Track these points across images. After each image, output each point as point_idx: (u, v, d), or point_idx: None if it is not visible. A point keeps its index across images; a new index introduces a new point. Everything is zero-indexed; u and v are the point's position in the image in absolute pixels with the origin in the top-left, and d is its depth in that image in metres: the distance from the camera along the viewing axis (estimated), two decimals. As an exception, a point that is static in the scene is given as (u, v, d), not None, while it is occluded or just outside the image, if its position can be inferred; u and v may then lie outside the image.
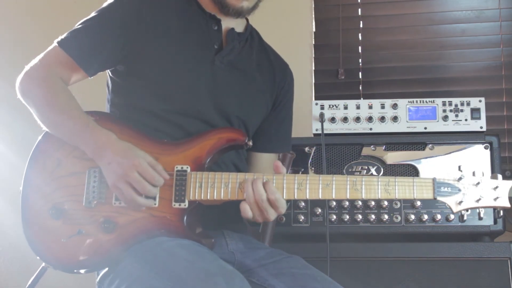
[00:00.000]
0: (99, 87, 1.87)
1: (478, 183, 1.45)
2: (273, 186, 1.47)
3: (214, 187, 1.51)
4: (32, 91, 1.62)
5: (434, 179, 1.46)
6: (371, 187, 1.47)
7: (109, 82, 1.74)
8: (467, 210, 1.48)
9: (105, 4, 1.69)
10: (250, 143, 1.60)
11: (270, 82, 1.82)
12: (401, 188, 1.47)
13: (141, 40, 1.64)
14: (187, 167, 1.53)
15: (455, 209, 1.45)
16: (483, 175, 1.45)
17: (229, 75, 1.72)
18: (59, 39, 1.65)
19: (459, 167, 1.47)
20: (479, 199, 1.45)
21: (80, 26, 1.66)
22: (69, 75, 1.66)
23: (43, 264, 1.57)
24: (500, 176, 1.45)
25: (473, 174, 1.46)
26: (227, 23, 1.74)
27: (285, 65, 1.90)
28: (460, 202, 1.45)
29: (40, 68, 1.64)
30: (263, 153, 1.84)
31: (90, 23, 1.66)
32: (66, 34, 1.65)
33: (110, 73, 1.73)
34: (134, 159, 1.48)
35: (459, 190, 1.45)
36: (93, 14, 1.68)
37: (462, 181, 1.46)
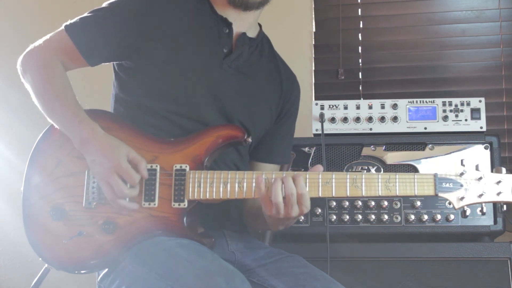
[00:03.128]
0: (105, 82, 1.86)
1: (480, 178, 1.42)
2: (303, 182, 1.44)
3: (213, 186, 1.50)
4: (32, 72, 1.62)
5: (435, 175, 1.43)
6: (372, 184, 1.45)
7: (115, 78, 1.73)
8: (469, 206, 1.45)
9: None
10: (250, 139, 1.60)
11: (277, 92, 1.79)
12: (402, 185, 1.44)
13: (149, 39, 1.63)
14: (186, 166, 1.53)
15: (457, 205, 1.43)
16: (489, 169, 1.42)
17: (236, 80, 1.70)
18: (67, 23, 1.64)
19: (462, 161, 1.44)
20: (482, 194, 1.42)
21: (90, 15, 1.65)
22: (70, 61, 1.65)
23: (46, 265, 1.57)
24: (504, 170, 1.42)
25: (476, 168, 1.43)
26: (239, 27, 1.71)
27: (293, 76, 1.87)
28: (462, 198, 1.43)
29: (42, 50, 1.64)
30: (266, 164, 1.81)
31: (100, 14, 1.65)
32: (75, 20, 1.65)
33: (116, 68, 1.71)
34: (114, 160, 1.48)
35: (461, 185, 1.43)
36: (104, 5, 1.67)
37: (464, 176, 1.43)
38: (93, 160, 1.51)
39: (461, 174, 1.43)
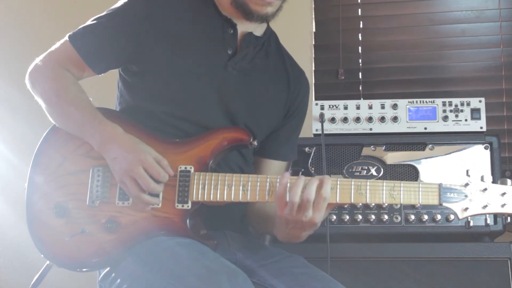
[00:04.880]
0: (109, 85, 1.86)
1: (485, 189, 1.41)
2: (329, 187, 1.42)
3: (217, 188, 1.50)
4: (41, 83, 1.63)
5: (440, 185, 1.42)
6: (376, 191, 1.45)
7: (120, 80, 1.73)
8: (473, 217, 1.43)
9: (118, 4, 1.68)
10: (255, 143, 1.60)
11: (284, 91, 1.78)
12: (406, 193, 1.44)
13: (152, 42, 1.63)
14: (191, 167, 1.53)
15: (461, 215, 1.42)
16: (492, 181, 1.40)
17: (241, 81, 1.69)
18: (71, 33, 1.65)
19: (467, 171, 1.41)
20: (486, 205, 1.41)
21: (92, 23, 1.66)
22: (77, 70, 1.66)
23: (48, 262, 1.58)
24: (509, 181, 1.41)
25: (481, 179, 1.41)
26: (244, 27, 1.70)
27: (301, 72, 1.86)
28: (466, 209, 1.41)
29: (50, 61, 1.65)
30: (272, 160, 1.81)
31: (102, 21, 1.65)
32: (78, 29, 1.66)
33: (121, 71, 1.72)
34: (140, 154, 1.48)
35: (466, 196, 1.41)
36: (106, 12, 1.67)
37: (469, 187, 1.42)
38: (115, 157, 1.50)
39: (466, 184, 1.42)
